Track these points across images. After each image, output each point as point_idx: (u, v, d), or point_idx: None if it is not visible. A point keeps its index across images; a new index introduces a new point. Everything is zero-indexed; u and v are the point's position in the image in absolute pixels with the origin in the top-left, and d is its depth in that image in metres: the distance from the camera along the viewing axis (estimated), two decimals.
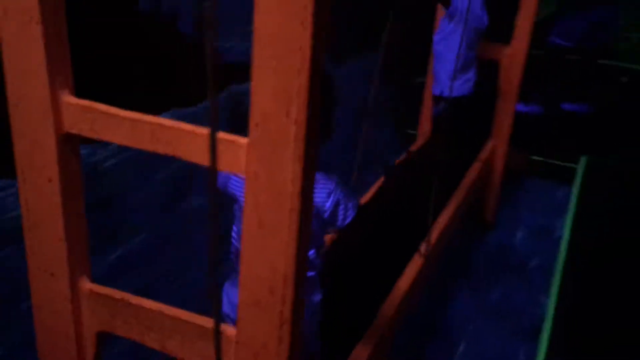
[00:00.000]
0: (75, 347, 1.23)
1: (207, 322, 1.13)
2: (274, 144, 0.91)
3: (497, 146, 3.72)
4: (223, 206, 2.68)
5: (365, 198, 2.88)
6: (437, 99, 3.34)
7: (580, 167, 4.58)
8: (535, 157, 4.76)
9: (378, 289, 2.19)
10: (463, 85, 3.23)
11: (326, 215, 1.46)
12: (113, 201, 2.31)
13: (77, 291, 1.19)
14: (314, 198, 1.44)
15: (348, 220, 1.50)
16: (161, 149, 1.01)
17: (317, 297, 1.62)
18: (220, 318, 1.03)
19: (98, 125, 1.04)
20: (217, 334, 1.01)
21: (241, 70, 2.61)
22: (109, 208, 2.34)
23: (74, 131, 1.06)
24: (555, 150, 4.82)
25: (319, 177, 1.47)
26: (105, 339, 1.24)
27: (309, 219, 0.99)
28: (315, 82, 0.86)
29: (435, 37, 3.31)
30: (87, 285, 1.19)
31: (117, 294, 1.18)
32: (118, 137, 1.03)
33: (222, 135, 0.96)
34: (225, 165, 0.96)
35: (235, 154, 0.94)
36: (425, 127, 3.77)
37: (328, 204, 1.45)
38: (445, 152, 3.36)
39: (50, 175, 1.09)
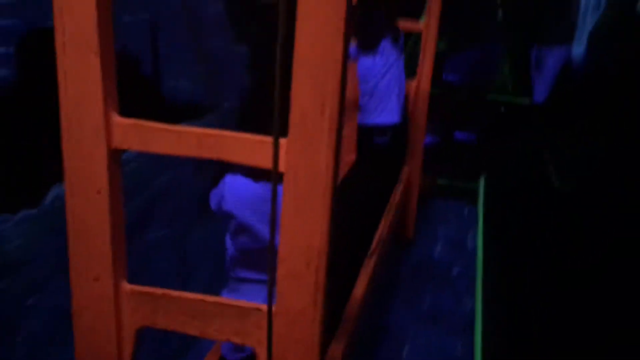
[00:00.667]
0: (115, 346, 1.36)
1: (243, 303, 1.32)
2: (311, 139, 1.14)
3: (412, 169, 4.12)
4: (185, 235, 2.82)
5: None
6: (383, 129, 3.64)
7: (481, 186, 5.13)
8: (440, 181, 5.27)
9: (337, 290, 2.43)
10: (404, 112, 3.63)
11: None
12: None
13: (120, 292, 1.33)
14: None
15: None
16: (206, 153, 1.21)
17: None
18: (272, 299, 1.23)
19: (146, 139, 1.23)
20: (270, 311, 1.21)
21: (191, 109, 2.81)
22: None
23: (123, 147, 1.24)
24: (457, 172, 5.37)
25: None
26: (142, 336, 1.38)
27: (333, 203, 1.23)
28: (343, 85, 1.12)
29: (367, 73, 3.57)
30: (127, 286, 1.34)
31: (158, 290, 1.34)
32: (166, 148, 1.22)
33: (259, 137, 1.19)
34: (261, 158, 1.18)
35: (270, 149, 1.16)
36: (348, 156, 4.08)
37: None
38: (381, 174, 3.72)
39: (99, 187, 1.25)
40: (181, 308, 1.33)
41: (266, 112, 1.24)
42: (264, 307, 1.27)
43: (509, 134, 6.72)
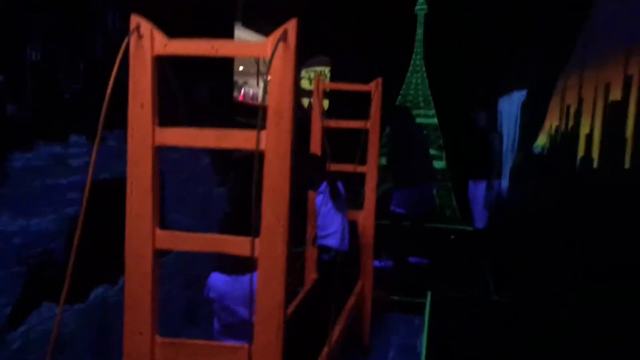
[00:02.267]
0: None
1: (233, 345, 2.10)
2: (273, 238, 2.01)
3: (364, 285, 4.94)
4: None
5: None
6: (327, 248, 4.51)
7: (428, 301, 5.94)
8: (394, 297, 6.08)
9: None
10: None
11: None
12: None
13: (154, 342, 2.11)
14: None
15: None
16: (211, 249, 2.06)
17: None
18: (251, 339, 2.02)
19: (175, 241, 2.08)
20: (250, 350, 2.01)
21: None
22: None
23: (162, 247, 2.09)
24: (409, 290, 6.22)
25: None
26: None
27: (288, 276, 2.07)
28: (292, 208, 2.01)
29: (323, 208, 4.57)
30: (159, 338, 2.12)
31: (178, 340, 2.11)
32: (186, 246, 2.08)
33: (245, 238, 2.05)
34: (245, 250, 2.04)
35: (250, 245, 2.02)
36: (310, 275, 4.92)
37: None
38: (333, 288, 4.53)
39: (146, 272, 2.08)
40: (193, 351, 2.10)
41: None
42: (246, 345, 2.06)
43: (457, 256, 7.66)
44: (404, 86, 10.32)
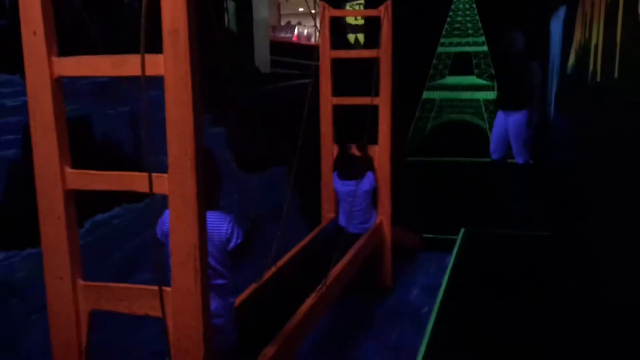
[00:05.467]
0: (75, 326, 2.01)
1: (153, 287, 1.96)
2: (181, 174, 1.82)
3: (382, 221, 4.72)
4: None
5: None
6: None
7: (459, 237, 5.65)
8: (428, 235, 5.82)
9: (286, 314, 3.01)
10: None
11: (227, 236, 2.36)
12: None
13: (76, 287, 2.00)
14: (221, 228, 2.34)
15: (239, 242, 2.38)
16: (121, 187, 1.91)
17: (232, 299, 2.47)
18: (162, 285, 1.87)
19: (87, 181, 1.94)
20: (161, 290, 1.87)
21: None
22: None
23: (73, 187, 1.95)
24: (443, 227, 5.93)
25: (224, 215, 2.39)
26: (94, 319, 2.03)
27: (204, 213, 1.89)
28: (198, 142, 1.81)
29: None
30: (81, 282, 2.01)
31: (100, 284, 2.00)
32: (100, 186, 1.93)
33: (154, 174, 1.88)
34: (157, 187, 1.86)
35: (162, 182, 1.85)
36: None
37: (229, 230, 2.36)
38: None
39: (59, 215, 1.95)
40: (115, 294, 1.98)
41: None
42: (167, 288, 1.92)
43: (496, 191, 7.21)
44: (450, 13, 9.70)
